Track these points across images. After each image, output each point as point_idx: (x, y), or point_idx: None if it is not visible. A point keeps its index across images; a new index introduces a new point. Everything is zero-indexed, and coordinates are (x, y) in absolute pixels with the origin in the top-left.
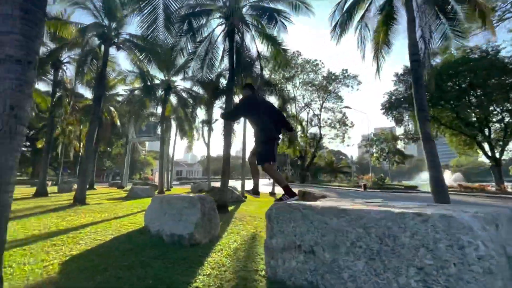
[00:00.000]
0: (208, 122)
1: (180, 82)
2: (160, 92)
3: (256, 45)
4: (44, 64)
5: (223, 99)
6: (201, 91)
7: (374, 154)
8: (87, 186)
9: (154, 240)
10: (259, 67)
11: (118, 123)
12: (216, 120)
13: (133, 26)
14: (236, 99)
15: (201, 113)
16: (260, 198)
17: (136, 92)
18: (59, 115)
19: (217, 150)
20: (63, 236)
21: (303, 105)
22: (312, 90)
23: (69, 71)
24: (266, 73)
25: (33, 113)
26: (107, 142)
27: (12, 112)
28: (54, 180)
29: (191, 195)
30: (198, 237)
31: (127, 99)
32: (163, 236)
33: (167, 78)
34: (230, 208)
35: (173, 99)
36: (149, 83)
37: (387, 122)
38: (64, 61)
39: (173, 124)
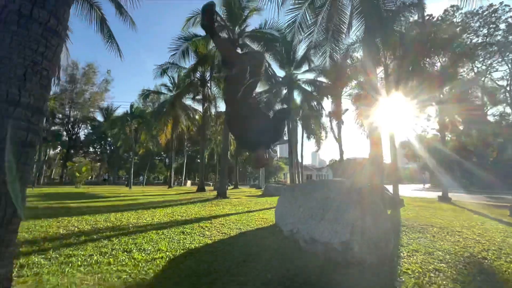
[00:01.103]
0: (337, 114)
1: (302, 76)
2: (283, 91)
3: None
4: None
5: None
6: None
7: None
8: (233, 186)
9: (287, 246)
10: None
11: None
12: (346, 110)
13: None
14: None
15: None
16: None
17: (263, 95)
18: (208, 126)
19: (350, 150)
20: (194, 225)
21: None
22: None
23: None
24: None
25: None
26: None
27: None
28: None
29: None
30: (359, 252)
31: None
32: (300, 241)
33: (288, 72)
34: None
35: (296, 97)
36: (271, 74)
37: None
38: (208, 79)
39: (299, 125)
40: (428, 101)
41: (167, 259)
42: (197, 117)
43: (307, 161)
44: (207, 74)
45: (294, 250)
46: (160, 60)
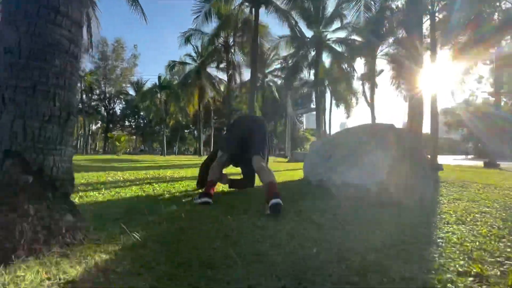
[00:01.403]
0: (370, 76)
1: (332, 35)
2: (311, 53)
3: None
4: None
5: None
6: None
7: None
8: None
9: (317, 192)
10: None
11: (277, 96)
12: (381, 71)
13: None
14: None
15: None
16: None
17: (289, 59)
18: (233, 96)
19: (383, 117)
20: None
21: None
22: None
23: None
24: None
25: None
26: (270, 118)
27: None
28: None
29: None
30: (395, 193)
31: (281, 68)
32: (331, 187)
33: (317, 31)
34: None
35: (325, 59)
36: (298, 33)
37: None
38: (231, 44)
39: (328, 92)
40: (482, 57)
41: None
42: (222, 87)
43: (334, 130)
44: (230, 40)
45: (325, 195)
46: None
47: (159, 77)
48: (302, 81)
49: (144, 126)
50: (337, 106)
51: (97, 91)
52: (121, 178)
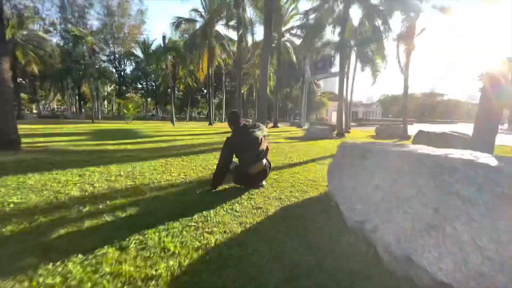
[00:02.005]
0: (409, 37)
1: None
2: (339, 6)
3: None
4: (229, 6)
5: None
6: None
7: None
8: (272, 124)
9: (355, 250)
10: None
11: (294, 59)
12: (423, 29)
13: None
14: None
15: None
16: None
17: (310, 14)
18: (245, 58)
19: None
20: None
21: None
22: None
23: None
24: None
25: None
26: (285, 83)
27: None
28: (253, 120)
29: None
30: None
31: (301, 25)
32: (379, 248)
33: None
34: None
35: (355, 15)
36: None
37: None
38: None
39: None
40: None
41: None
42: (233, 48)
43: (357, 98)
44: None
45: (371, 264)
46: None
47: (164, 37)
48: (323, 42)
49: (156, 88)
50: (362, 70)
51: (107, 51)
52: (86, 193)
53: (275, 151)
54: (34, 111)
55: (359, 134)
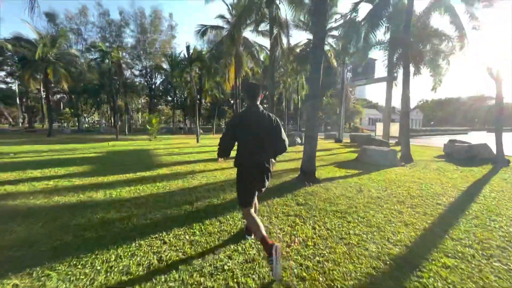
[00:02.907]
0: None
1: None
2: None
3: None
4: (260, 5)
5: None
6: None
7: None
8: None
9: None
10: None
11: (335, 63)
12: None
13: None
14: None
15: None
16: None
17: (361, 12)
18: (279, 61)
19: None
20: None
21: None
22: None
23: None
24: None
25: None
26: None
27: None
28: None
29: None
30: None
31: (347, 21)
32: None
33: None
34: None
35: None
36: None
37: None
38: None
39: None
40: None
41: None
42: (262, 56)
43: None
44: None
45: None
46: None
47: (187, 47)
48: (372, 42)
49: (185, 100)
50: (415, 74)
51: (139, 66)
52: None
53: (331, 207)
54: (76, 124)
55: (422, 154)
